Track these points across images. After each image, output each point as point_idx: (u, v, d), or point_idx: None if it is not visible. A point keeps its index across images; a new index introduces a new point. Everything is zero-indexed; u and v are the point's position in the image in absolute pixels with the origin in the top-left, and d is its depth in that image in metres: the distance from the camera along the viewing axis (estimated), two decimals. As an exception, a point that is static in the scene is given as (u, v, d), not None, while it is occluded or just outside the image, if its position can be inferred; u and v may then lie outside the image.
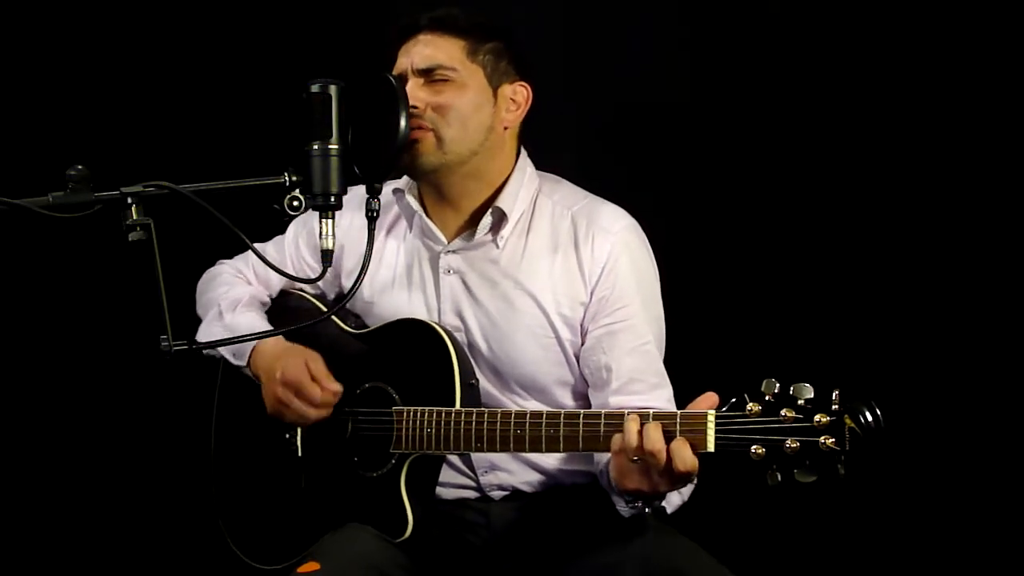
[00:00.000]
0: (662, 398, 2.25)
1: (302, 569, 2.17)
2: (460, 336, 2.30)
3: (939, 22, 2.82)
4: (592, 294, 2.27)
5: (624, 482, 2.01)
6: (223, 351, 2.40)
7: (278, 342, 2.33)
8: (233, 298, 2.44)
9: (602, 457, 2.19)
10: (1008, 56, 2.79)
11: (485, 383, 2.29)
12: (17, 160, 3.07)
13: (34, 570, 3.30)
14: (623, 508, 2.17)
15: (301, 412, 2.26)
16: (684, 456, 1.93)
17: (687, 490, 2.18)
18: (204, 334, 2.43)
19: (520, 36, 2.34)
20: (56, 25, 3.22)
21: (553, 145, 2.50)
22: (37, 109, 3.21)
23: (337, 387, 2.26)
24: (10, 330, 3.26)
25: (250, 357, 2.36)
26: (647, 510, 2.14)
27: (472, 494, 2.35)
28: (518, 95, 2.32)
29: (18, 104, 3.19)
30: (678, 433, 1.94)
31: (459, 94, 2.24)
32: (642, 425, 1.96)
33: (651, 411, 1.99)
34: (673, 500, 2.17)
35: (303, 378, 2.25)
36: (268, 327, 2.40)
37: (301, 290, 2.50)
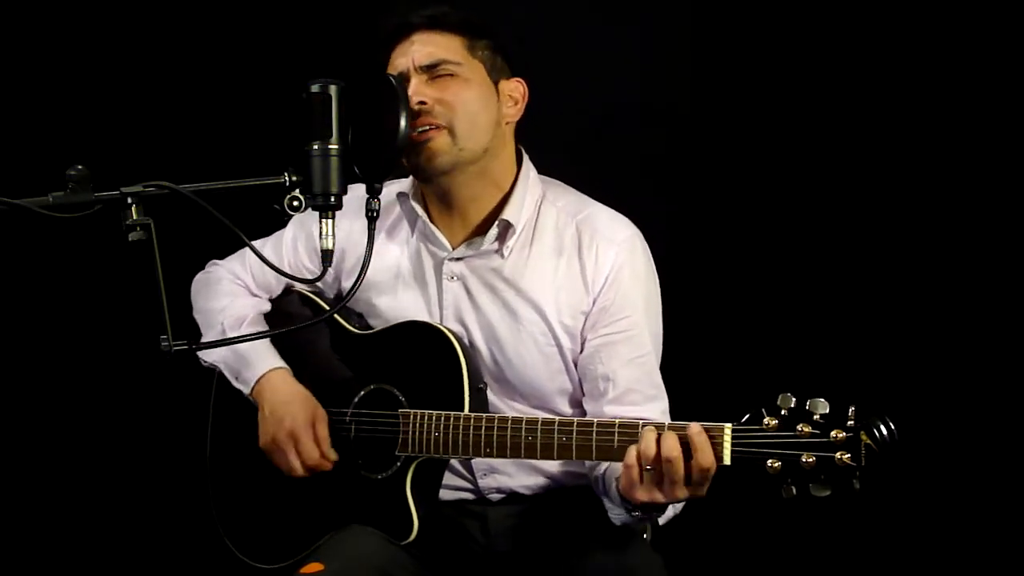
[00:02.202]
0: (657, 410, 2.24)
1: (305, 569, 2.17)
2: None
3: (939, 24, 2.82)
4: (594, 303, 2.25)
5: (635, 493, 1.99)
6: (224, 370, 2.39)
7: (292, 385, 2.32)
8: (236, 316, 2.41)
9: (598, 464, 2.18)
10: (1008, 56, 2.78)
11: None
12: (17, 160, 3.06)
13: (33, 570, 3.29)
14: (619, 516, 2.16)
15: (293, 464, 2.28)
16: (705, 457, 1.93)
17: (680, 503, 2.16)
18: (207, 350, 2.40)
19: (520, 35, 2.33)
20: (56, 25, 3.22)
21: (552, 146, 2.49)
22: (37, 109, 3.21)
23: (333, 456, 2.28)
24: (10, 330, 3.26)
25: (255, 386, 2.34)
26: (646, 521, 2.14)
27: (470, 496, 2.34)
28: (516, 91, 2.31)
29: (18, 104, 3.19)
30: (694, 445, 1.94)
31: (465, 88, 2.23)
32: (659, 435, 1.96)
33: (666, 423, 1.99)
34: (666, 512, 2.16)
35: (306, 436, 2.26)
36: (272, 350, 2.38)
37: (301, 291, 2.48)
